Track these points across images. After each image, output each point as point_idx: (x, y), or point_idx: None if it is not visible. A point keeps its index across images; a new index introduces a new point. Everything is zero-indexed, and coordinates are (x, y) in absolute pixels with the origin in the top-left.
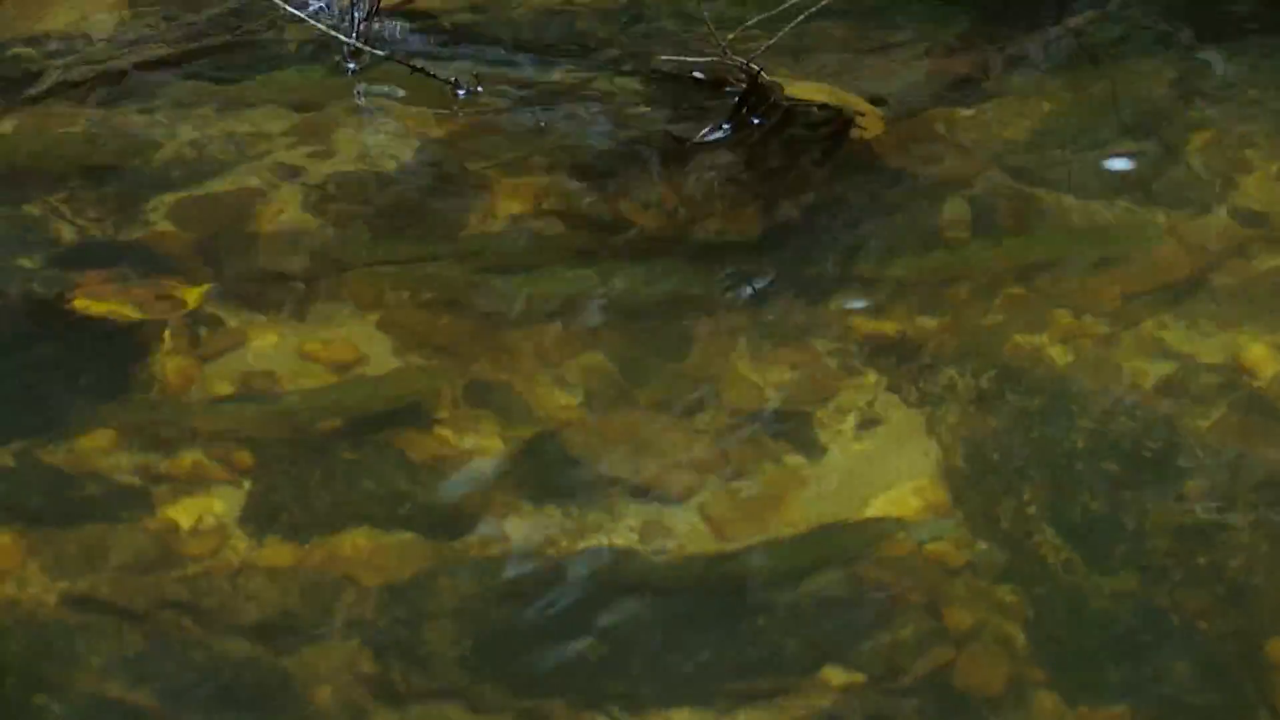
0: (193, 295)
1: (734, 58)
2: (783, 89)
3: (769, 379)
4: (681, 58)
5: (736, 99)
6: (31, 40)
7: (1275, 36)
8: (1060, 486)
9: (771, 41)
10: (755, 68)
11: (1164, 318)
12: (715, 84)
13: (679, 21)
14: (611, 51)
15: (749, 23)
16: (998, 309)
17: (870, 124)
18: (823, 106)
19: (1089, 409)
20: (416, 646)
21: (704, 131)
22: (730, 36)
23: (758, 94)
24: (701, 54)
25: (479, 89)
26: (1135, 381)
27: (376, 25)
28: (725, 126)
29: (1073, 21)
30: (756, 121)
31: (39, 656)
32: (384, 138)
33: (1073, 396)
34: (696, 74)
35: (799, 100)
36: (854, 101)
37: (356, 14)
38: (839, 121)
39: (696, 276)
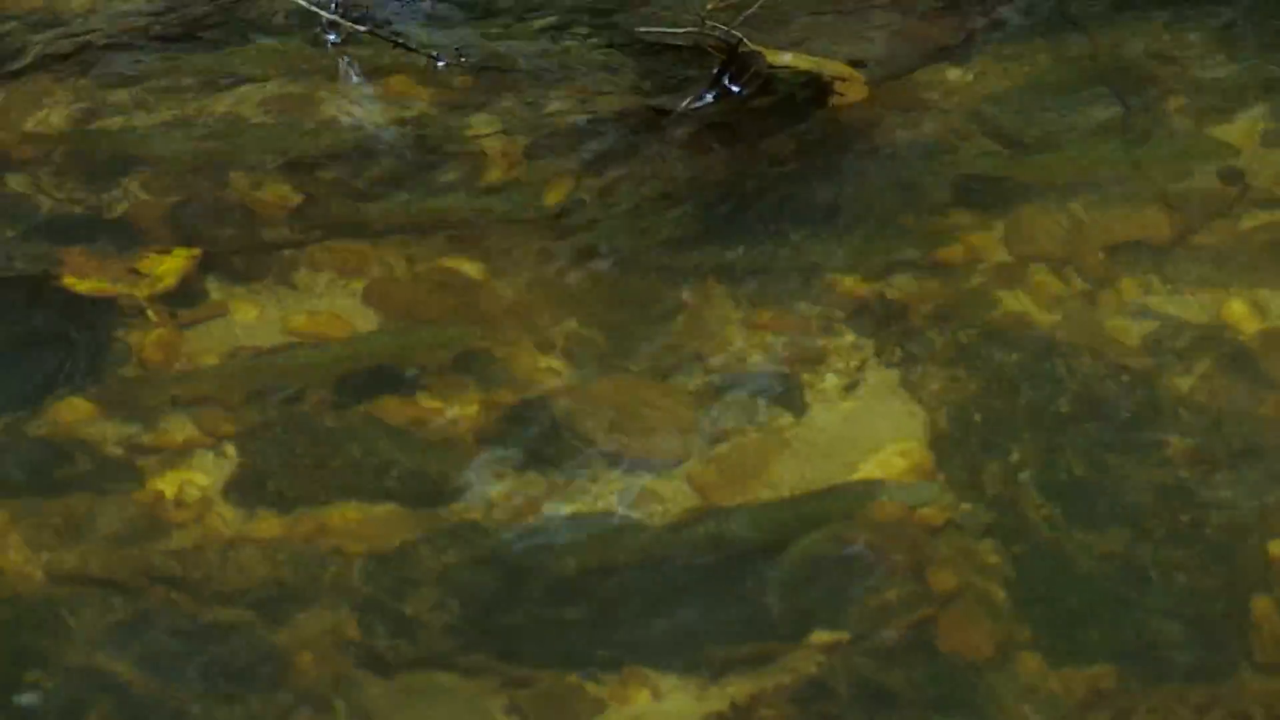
0: (174, 266)
1: (714, 26)
2: (765, 57)
3: (753, 343)
4: (660, 29)
5: (717, 68)
6: (12, 15)
7: None
8: (1044, 447)
9: (750, 10)
10: (736, 36)
11: (1147, 277)
12: (698, 53)
13: None
14: (596, 22)
15: None
16: (980, 270)
17: (853, 88)
18: (805, 72)
19: (1072, 369)
20: (403, 614)
21: (685, 102)
22: (710, 6)
23: (738, 63)
24: (682, 24)
25: (462, 60)
26: (1118, 340)
27: None
28: (706, 97)
29: None
30: (738, 90)
31: (27, 630)
32: (364, 108)
33: (1056, 356)
34: (677, 42)
35: (781, 67)
36: (836, 67)
37: None
38: (821, 87)
39: (679, 243)
